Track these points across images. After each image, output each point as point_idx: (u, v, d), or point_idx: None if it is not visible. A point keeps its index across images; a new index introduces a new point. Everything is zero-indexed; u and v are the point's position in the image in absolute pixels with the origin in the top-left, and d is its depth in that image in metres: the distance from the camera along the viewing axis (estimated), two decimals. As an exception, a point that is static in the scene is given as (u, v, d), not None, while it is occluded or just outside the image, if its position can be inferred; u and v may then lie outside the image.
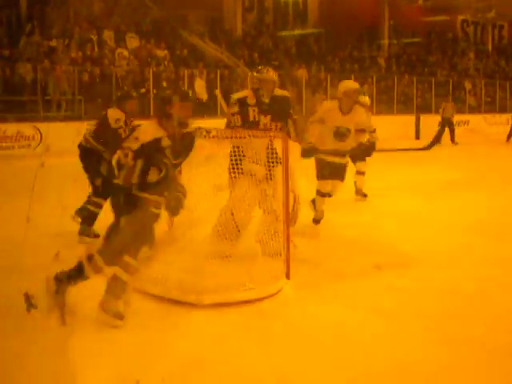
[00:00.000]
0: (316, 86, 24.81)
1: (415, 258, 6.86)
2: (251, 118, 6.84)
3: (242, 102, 6.85)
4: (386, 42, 31.56)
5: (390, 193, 11.03)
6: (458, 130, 24.67)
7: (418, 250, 7.16)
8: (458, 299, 5.58)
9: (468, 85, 31.02)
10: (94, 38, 20.76)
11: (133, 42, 21.65)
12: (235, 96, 6.98)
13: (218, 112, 20.81)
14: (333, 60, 27.34)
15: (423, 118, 26.24)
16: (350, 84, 7.93)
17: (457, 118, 25.55)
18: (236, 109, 6.82)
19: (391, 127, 24.30)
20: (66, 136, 17.05)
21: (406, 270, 6.47)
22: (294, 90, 23.07)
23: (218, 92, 6.56)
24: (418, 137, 25.76)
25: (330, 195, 7.95)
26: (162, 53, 21.82)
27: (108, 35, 21.31)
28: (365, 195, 10.47)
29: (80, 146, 7.68)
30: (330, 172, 7.84)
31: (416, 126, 26.09)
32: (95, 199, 7.47)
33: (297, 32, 29.04)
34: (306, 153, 7.71)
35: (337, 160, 7.86)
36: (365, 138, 8.46)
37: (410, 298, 5.63)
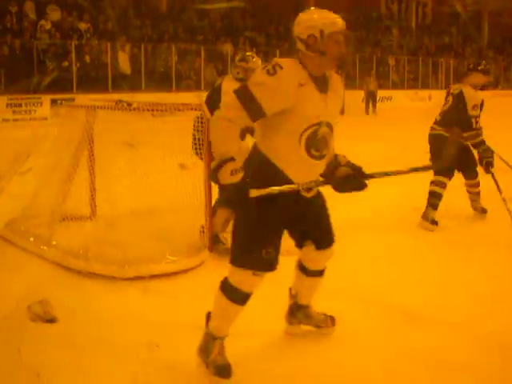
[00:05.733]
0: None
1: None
2: None
3: None
4: (310, 17, 31.62)
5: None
6: (381, 105, 25.53)
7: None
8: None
9: (391, 61, 31.48)
10: (14, 9, 20.19)
11: (54, 14, 21.13)
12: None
13: (142, 87, 20.68)
14: (259, 35, 27.31)
15: (347, 93, 26.41)
16: None
17: (380, 93, 26.14)
18: None
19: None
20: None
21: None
22: (219, 65, 23.05)
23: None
24: (342, 112, 25.94)
25: None
26: (84, 25, 21.40)
27: (29, 7, 20.76)
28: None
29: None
30: None
31: (340, 102, 26.36)
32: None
33: (222, 6, 28.87)
34: None
35: None
36: None
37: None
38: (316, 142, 3.52)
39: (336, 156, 3.81)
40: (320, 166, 3.68)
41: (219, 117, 3.33)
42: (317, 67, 3.51)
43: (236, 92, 3.36)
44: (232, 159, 3.28)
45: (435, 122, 7.54)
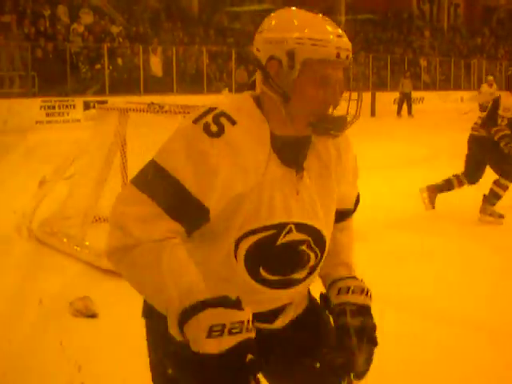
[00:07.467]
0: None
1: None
2: None
3: None
4: (342, 19, 31.55)
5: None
6: (413, 107, 25.44)
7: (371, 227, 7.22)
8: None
9: (423, 62, 31.30)
10: (47, 13, 20.42)
11: (87, 17, 21.34)
12: None
13: (174, 89, 20.79)
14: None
15: (379, 95, 26.39)
16: None
17: (412, 94, 26.00)
18: None
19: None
20: (20, 113, 17.07)
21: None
22: (250, 67, 23.05)
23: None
24: (373, 114, 25.93)
25: None
26: (116, 29, 21.58)
27: (62, 11, 20.98)
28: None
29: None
30: None
31: (372, 103, 26.24)
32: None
33: (253, 8, 28.90)
34: None
35: None
36: None
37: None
38: (270, 257, 1.87)
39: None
40: (281, 295, 1.97)
41: (132, 242, 1.73)
42: (282, 123, 1.83)
43: (144, 185, 1.75)
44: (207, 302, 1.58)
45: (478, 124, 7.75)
